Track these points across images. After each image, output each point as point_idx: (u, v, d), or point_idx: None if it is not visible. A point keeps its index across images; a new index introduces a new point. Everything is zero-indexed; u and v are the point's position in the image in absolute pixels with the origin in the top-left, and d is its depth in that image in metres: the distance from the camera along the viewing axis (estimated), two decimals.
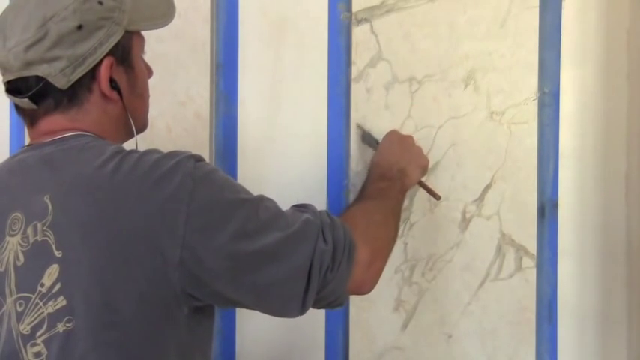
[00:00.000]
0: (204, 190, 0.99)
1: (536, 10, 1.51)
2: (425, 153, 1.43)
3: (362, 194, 1.30)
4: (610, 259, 1.57)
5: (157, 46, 1.44)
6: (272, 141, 1.47)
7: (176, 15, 1.23)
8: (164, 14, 1.16)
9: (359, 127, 1.46)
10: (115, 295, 0.95)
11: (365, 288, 1.14)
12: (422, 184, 1.42)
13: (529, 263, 1.52)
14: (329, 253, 1.04)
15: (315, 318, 1.50)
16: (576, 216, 1.55)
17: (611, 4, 1.55)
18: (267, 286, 1.02)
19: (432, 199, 1.47)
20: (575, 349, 1.57)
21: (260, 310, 1.09)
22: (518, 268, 1.52)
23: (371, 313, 1.50)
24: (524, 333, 1.52)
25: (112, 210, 0.96)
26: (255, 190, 1.45)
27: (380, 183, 1.29)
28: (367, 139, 1.46)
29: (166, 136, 1.46)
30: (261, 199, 1.06)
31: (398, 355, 1.50)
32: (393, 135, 1.41)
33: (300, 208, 1.10)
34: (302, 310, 1.04)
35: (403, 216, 1.49)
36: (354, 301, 1.49)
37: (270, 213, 1.04)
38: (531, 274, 1.52)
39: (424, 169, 1.40)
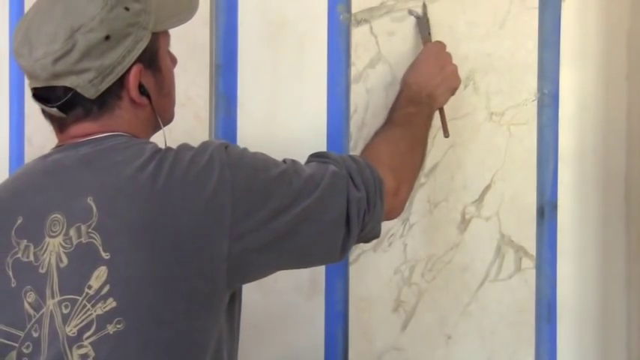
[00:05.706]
0: (241, 176, 1.01)
1: (536, 11, 1.50)
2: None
3: (390, 119, 1.32)
4: (609, 259, 1.57)
5: None
6: (272, 142, 1.47)
7: None
8: (188, 6, 1.15)
9: (411, 12, 1.47)
10: (165, 294, 0.96)
11: (394, 214, 1.21)
12: (441, 112, 1.42)
13: (528, 264, 1.52)
14: (364, 199, 1.08)
15: (315, 318, 1.50)
16: (576, 217, 1.55)
17: (611, 5, 1.55)
18: (308, 245, 1.06)
19: (432, 198, 1.48)
20: (575, 349, 1.56)
21: (302, 267, 1.16)
22: (518, 269, 1.52)
23: (371, 314, 1.50)
24: (523, 334, 1.52)
25: (157, 213, 0.97)
26: None
27: (408, 108, 1.31)
28: (421, 25, 1.45)
29: (166, 137, 1.45)
30: (289, 167, 1.08)
31: (397, 356, 1.51)
32: (432, 49, 1.41)
33: (321, 158, 1.13)
34: (342, 256, 1.09)
35: (403, 217, 1.50)
36: (354, 301, 1.49)
37: (301, 178, 1.06)
38: (531, 275, 1.52)
39: (454, 92, 1.40)
